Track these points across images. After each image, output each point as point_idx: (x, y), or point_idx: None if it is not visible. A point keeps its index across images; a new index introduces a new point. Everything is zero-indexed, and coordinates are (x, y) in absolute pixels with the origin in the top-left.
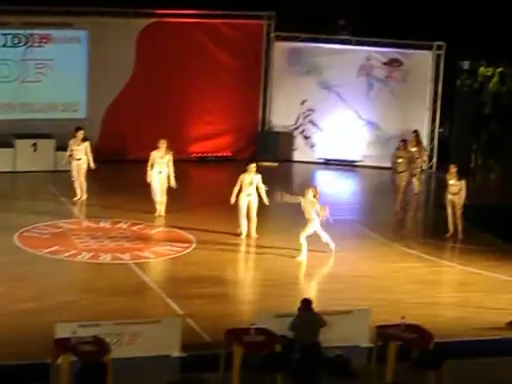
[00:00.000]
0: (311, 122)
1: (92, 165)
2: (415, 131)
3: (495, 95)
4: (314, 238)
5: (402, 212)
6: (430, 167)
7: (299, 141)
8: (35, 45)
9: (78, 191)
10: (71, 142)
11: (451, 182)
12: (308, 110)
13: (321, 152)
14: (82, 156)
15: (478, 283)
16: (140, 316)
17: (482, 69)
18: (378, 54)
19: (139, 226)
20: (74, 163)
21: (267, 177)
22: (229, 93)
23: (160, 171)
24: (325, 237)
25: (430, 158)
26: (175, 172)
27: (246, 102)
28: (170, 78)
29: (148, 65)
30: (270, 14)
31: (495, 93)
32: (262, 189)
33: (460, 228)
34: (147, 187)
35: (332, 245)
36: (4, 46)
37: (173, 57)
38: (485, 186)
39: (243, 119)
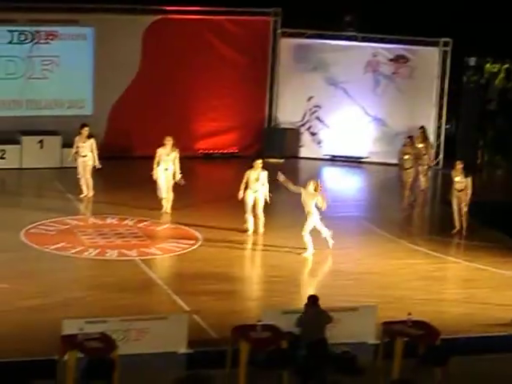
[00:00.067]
0: (318, 118)
1: (97, 163)
2: (422, 127)
3: (501, 91)
4: (318, 235)
5: (409, 208)
6: (437, 164)
7: (306, 137)
8: (41, 42)
9: (85, 188)
10: (77, 138)
11: (457, 178)
12: (314, 107)
13: (327, 148)
14: (87, 153)
15: (484, 279)
16: (147, 312)
17: (488, 65)
18: (384, 50)
19: (145, 223)
20: (80, 160)
21: (274, 173)
22: (235, 89)
23: (166, 168)
24: (324, 232)
25: (437, 154)
26: (181, 169)
27: (252, 99)
28: (175, 74)
29: (154, 62)
30: (277, 10)
31: (501, 89)
32: (266, 187)
33: (465, 225)
34: (153, 184)
35: (331, 241)
36: (10, 42)
37: (179, 53)
38: (491, 182)
39: (249, 116)
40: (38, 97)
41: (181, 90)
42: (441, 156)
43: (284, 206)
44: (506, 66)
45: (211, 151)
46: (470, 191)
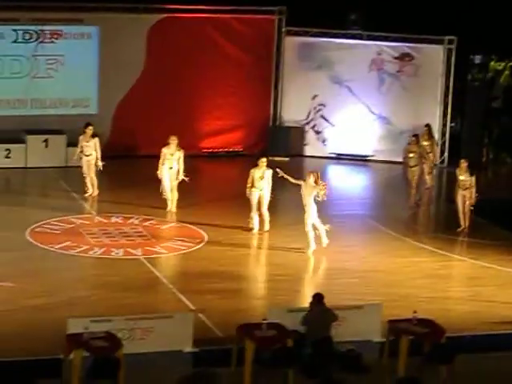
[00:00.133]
0: (322, 116)
1: (99, 163)
2: (427, 125)
3: (506, 89)
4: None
5: (415, 207)
6: (442, 162)
7: (310, 136)
8: (46, 41)
9: (90, 187)
10: (81, 137)
11: (462, 177)
12: (319, 105)
13: (332, 147)
14: (91, 152)
15: (490, 277)
16: (152, 311)
17: (493, 63)
18: (389, 48)
19: (151, 222)
20: (84, 159)
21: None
22: (240, 88)
23: (170, 167)
24: (321, 230)
25: (442, 152)
26: (186, 167)
27: (257, 97)
28: (180, 73)
29: (159, 60)
30: (281, 8)
31: (506, 87)
32: (269, 185)
33: (468, 223)
34: (158, 183)
35: (325, 240)
36: (15, 41)
37: (183, 52)
38: (496, 180)
39: (254, 114)
40: (43, 96)
41: (186, 88)
42: (446, 154)
43: (289, 204)
44: (511, 63)
45: (216, 150)
46: (474, 190)
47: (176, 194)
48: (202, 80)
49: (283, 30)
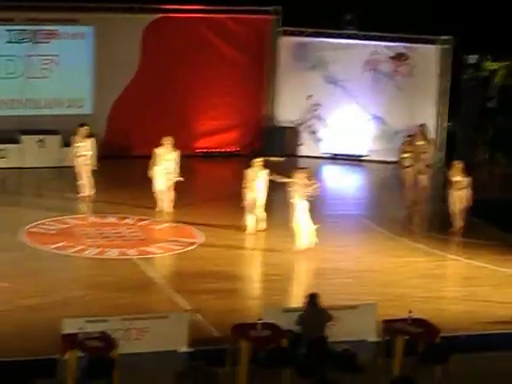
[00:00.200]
0: (317, 116)
1: (94, 164)
2: (422, 125)
3: (501, 89)
4: (319, 233)
5: (411, 206)
6: (437, 161)
7: (305, 136)
8: (41, 41)
9: (85, 187)
10: (76, 138)
11: (457, 178)
12: (314, 105)
13: (327, 147)
14: (86, 152)
15: (485, 277)
16: (147, 311)
17: (487, 63)
18: (384, 48)
19: (145, 222)
20: (79, 159)
21: (273, 172)
22: (235, 88)
23: (166, 168)
24: (310, 229)
25: (437, 152)
26: (181, 167)
27: (251, 97)
28: (175, 73)
29: (154, 60)
30: (277, 8)
31: (501, 87)
32: (265, 185)
33: (462, 224)
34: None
35: (305, 241)
36: (10, 41)
37: (178, 52)
38: (492, 180)
39: (249, 114)
40: (38, 96)
41: (181, 88)
42: (441, 154)
43: (284, 204)
44: (506, 63)
45: (211, 150)
46: (470, 192)
47: (172, 194)
48: (197, 80)
49: (278, 29)
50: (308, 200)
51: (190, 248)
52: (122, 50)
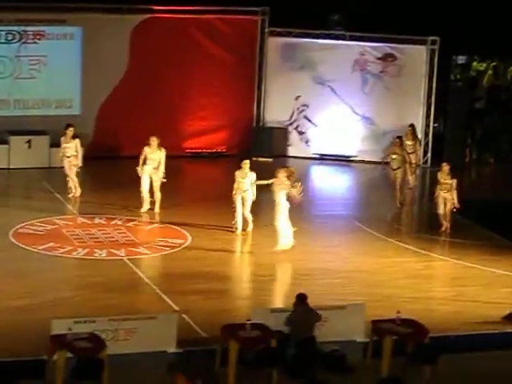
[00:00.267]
0: (306, 117)
1: (80, 163)
2: (411, 125)
3: (489, 90)
4: (307, 233)
5: (399, 207)
6: (425, 162)
7: (294, 136)
8: (29, 41)
9: (73, 188)
10: (62, 139)
11: (443, 180)
12: (302, 106)
13: (315, 147)
14: (72, 153)
15: (473, 277)
16: (135, 312)
17: (475, 63)
18: (372, 49)
19: (134, 222)
20: (65, 160)
21: (262, 172)
22: (223, 88)
23: (154, 167)
24: (288, 230)
25: (425, 152)
26: (170, 168)
27: (240, 98)
28: (164, 74)
29: (142, 61)
30: (264, 9)
31: (489, 87)
32: (254, 187)
33: (449, 224)
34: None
35: (285, 242)
36: None
37: (167, 53)
38: (479, 180)
39: (237, 115)
40: (26, 97)
41: (169, 89)
42: (429, 154)
43: (272, 205)
44: (494, 63)
45: (199, 150)
46: (455, 194)
47: (159, 195)
48: (186, 80)
49: (266, 30)
50: (297, 202)
51: (178, 249)
52: (110, 50)
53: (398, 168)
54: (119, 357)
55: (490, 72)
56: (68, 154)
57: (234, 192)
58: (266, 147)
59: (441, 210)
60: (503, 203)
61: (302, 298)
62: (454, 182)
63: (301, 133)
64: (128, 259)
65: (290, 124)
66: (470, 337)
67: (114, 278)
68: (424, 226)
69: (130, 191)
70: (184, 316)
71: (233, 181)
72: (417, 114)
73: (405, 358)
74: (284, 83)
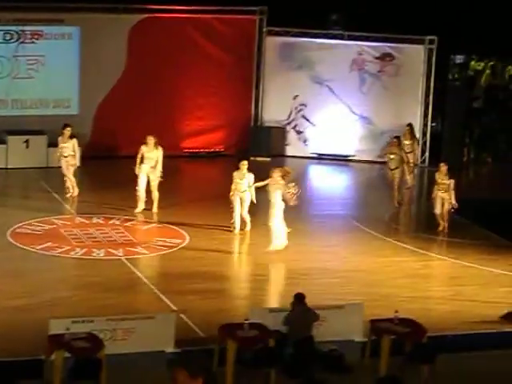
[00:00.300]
0: (303, 116)
1: (78, 162)
2: (409, 124)
3: (487, 89)
4: (305, 233)
5: (398, 207)
6: (423, 161)
7: (292, 136)
8: (27, 41)
9: (70, 188)
10: (59, 138)
11: (440, 180)
12: (300, 105)
13: (313, 147)
14: (70, 153)
15: (471, 277)
16: (133, 312)
17: (473, 63)
18: (370, 48)
19: (132, 222)
20: (63, 160)
21: (260, 172)
22: (221, 88)
23: (152, 166)
24: (282, 230)
25: (423, 152)
26: (168, 168)
27: (238, 97)
28: (161, 73)
29: (140, 61)
30: (262, 8)
31: (487, 87)
32: (252, 188)
33: (446, 224)
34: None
35: (278, 242)
36: None
37: (165, 52)
38: (477, 179)
39: (235, 114)
40: (24, 96)
41: (167, 88)
42: (427, 154)
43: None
44: (492, 63)
45: (197, 150)
46: (452, 194)
47: (157, 194)
48: (183, 80)
49: (264, 30)
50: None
51: (176, 248)
52: (108, 50)
53: (396, 168)
54: (117, 356)
55: (487, 71)
56: (65, 154)
57: (231, 193)
58: (263, 147)
59: (438, 210)
60: (501, 203)
61: (300, 298)
62: (452, 182)
63: (299, 132)
64: (126, 259)
65: (288, 123)
66: (467, 336)
67: (112, 278)
68: (422, 226)
69: (128, 191)
70: (182, 316)
71: (231, 181)
72: (415, 114)
73: (403, 357)
74: (282, 83)
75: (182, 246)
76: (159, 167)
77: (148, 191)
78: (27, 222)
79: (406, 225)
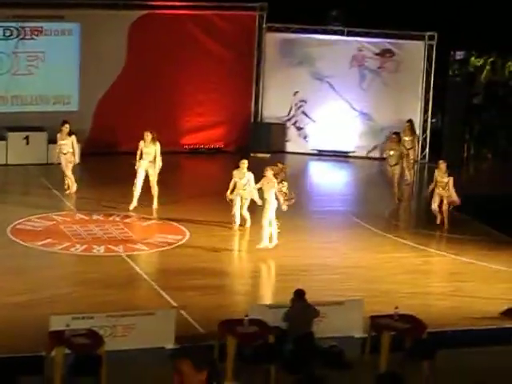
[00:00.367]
0: (304, 113)
1: (77, 159)
2: (409, 120)
3: (487, 85)
4: (305, 229)
5: (398, 203)
6: (423, 157)
7: (292, 132)
8: (27, 37)
9: (69, 184)
10: (58, 135)
11: (440, 178)
12: (300, 101)
13: (313, 143)
14: (68, 150)
15: (471, 273)
16: (133, 308)
17: (473, 59)
18: (370, 44)
19: (132, 218)
20: (62, 157)
21: (260, 168)
22: (221, 84)
23: (150, 161)
24: (273, 230)
25: (423, 148)
26: (168, 164)
27: (238, 94)
28: (161, 69)
29: (140, 57)
30: (263, 5)
31: (487, 83)
32: (254, 190)
33: (446, 221)
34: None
35: (275, 241)
36: None
37: (165, 49)
38: (477, 175)
39: (235, 110)
40: (24, 93)
41: (167, 85)
42: (427, 150)
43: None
44: (492, 59)
45: (197, 146)
46: (451, 190)
47: (156, 189)
48: (183, 76)
49: (264, 26)
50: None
51: (176, 245)
52: (108, 46)
53: (396, 164)
54: (117, 353)
55: (487, 67)
56: (64, 151)
57: (228, 191)
58: (264, 143)
59: (434, 206)
60: (501, 199)
61: (300, 294)
62: (451, 179)
63: (299, 128)
64: (126, 255)
65: (288, 120)
66: (467, 332)
67: (112, 275)
68: (422, 222)
69: (128, 187)
70: (182, 312)
71: (231, 178)
72: (415, 110)
73: (403, 353)
74: (282, 79)
75: (182, 242)
76: (158, 162)
77: (148, 187)
78: (27, 219)
79: (405, 221)
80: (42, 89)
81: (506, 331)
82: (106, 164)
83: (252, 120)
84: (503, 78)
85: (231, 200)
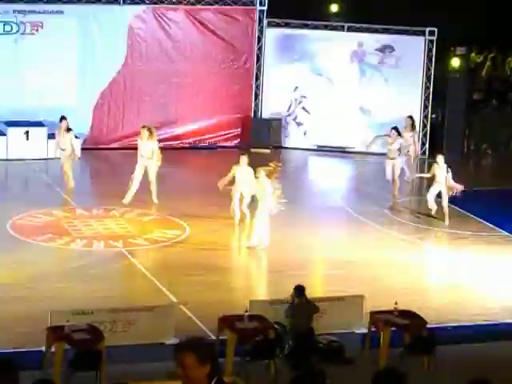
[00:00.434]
0: (303, 108)
1: (78, 154)
2: (410, 116)
3: (487, 81)
4: (305, 225)
5: (397, 198)
6: (423, 153)
7: (292, 127)
8: (27, 32)
9: (70, 180)
10: (56, 131)
11: (438, 171)
12: (300, 97)
13: (313, 138)
14: (67, 146)
15: (471, 268)
16: (133, 303)
17: (473, 54)
18: (370, 40)
19: (132, 214)
20: (60, 153)
21: (260, 164)
22: (221, 80)
23: (149, 157)
24: (266, 229)
25: (423, 143)
26: (168, 159)
27: (238, 89)
28: (161, 65)
29: (139, 52)
30: (263, 0)
31: (487, 78)
32: (250, 184)
33: (446, 216)
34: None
35: (266, 242)
36: None
37: (164, 44)
38: (477, 170)
39: (235, 106)
40: (24, 88)
41: (167, 80)
42: (427, 145)
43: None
44: (492, 55)
45: (197, 142)
46: (449, 184)
47: (155, 184)
48: (183, 72)
49: (264, 21)
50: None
51: (176, 240)
52: (107, 41)
53: (395, 159)
54: (117, 348)
55: (488, 63)
56: (63, 147)
57: (220, 181)
58: (264, 138)
59: (431, 201)
60: (500, 193)
61: (300, 290)
62: (450, 175)
63: (299, 124)
64: (126, 250)
65: (288, 115)
66: (467, 328)
67: (112, 270)
68: (422, 217)
69: (127, 182)
70: (182, 307)
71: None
72: (415, 105)
73: (403, 349)
74: (282, 74)
75: (182, 237)
76: (156, 156)
77: (147, 182)
78: (27, 214)
79: (405, 216)
80: (42, 84)
81: (506, 326)
82: (105, 159)
83: (252, 115)
84: (503, 74)
85: (226, 191)
